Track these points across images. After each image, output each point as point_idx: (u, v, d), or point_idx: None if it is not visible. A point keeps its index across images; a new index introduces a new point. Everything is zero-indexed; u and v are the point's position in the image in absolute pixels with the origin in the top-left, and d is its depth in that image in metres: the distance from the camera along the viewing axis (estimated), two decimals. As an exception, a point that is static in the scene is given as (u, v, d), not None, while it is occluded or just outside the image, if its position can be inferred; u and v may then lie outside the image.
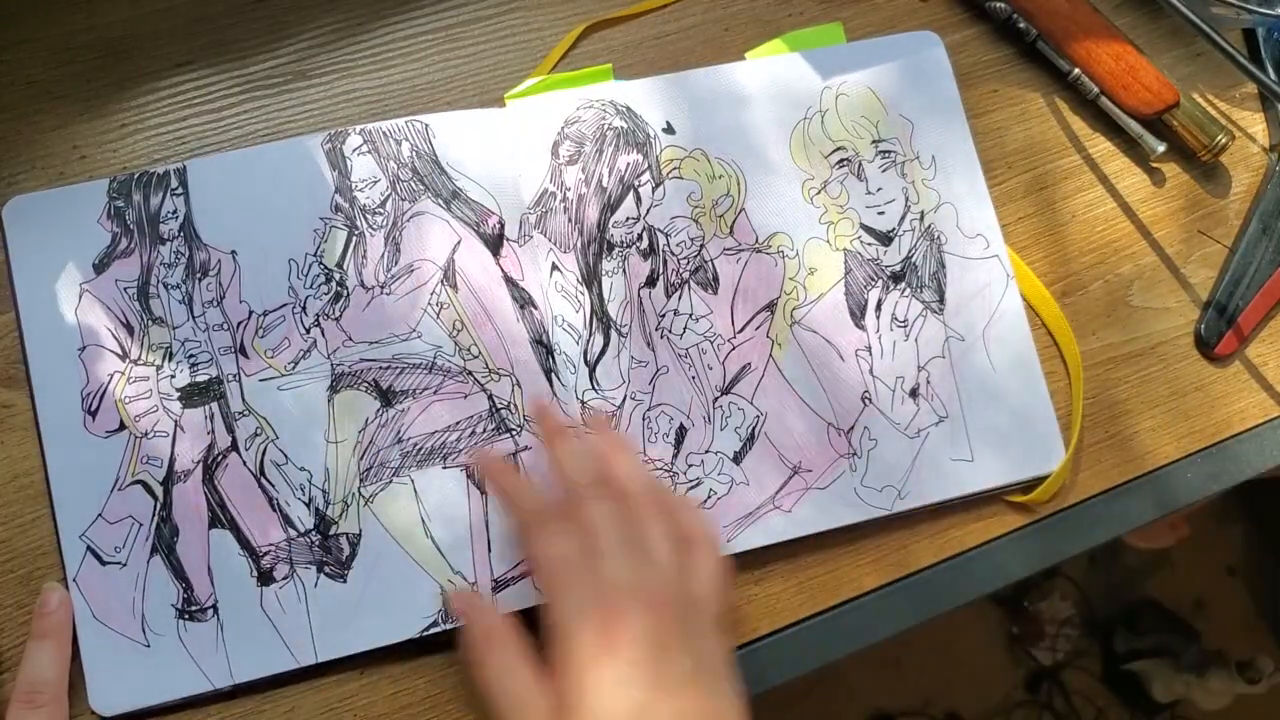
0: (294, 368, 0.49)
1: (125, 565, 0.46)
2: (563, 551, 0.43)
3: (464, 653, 0.44)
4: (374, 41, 0.54)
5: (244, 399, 0.48)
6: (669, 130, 0.54)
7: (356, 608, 0.47)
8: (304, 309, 0.49)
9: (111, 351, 0.48)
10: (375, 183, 0.51)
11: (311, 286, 0.50)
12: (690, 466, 0.50)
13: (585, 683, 0.39)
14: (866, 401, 0.52)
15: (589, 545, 0.42)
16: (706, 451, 0.51)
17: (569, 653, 0.40)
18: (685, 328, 0.52)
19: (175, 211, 0.50)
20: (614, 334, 0.51)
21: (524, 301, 0.51)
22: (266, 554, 0.47)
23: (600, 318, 0.51)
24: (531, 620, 0.45)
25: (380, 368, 0.49)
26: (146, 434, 0.47)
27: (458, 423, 0.49)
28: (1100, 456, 0.54)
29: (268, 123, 0.52)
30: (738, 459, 0.51)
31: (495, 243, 0.51)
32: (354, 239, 0.50)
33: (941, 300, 0.54)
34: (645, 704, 0.39)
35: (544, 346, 0.51)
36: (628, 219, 0.53)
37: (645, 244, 0.52)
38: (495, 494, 0.48)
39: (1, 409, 0.48)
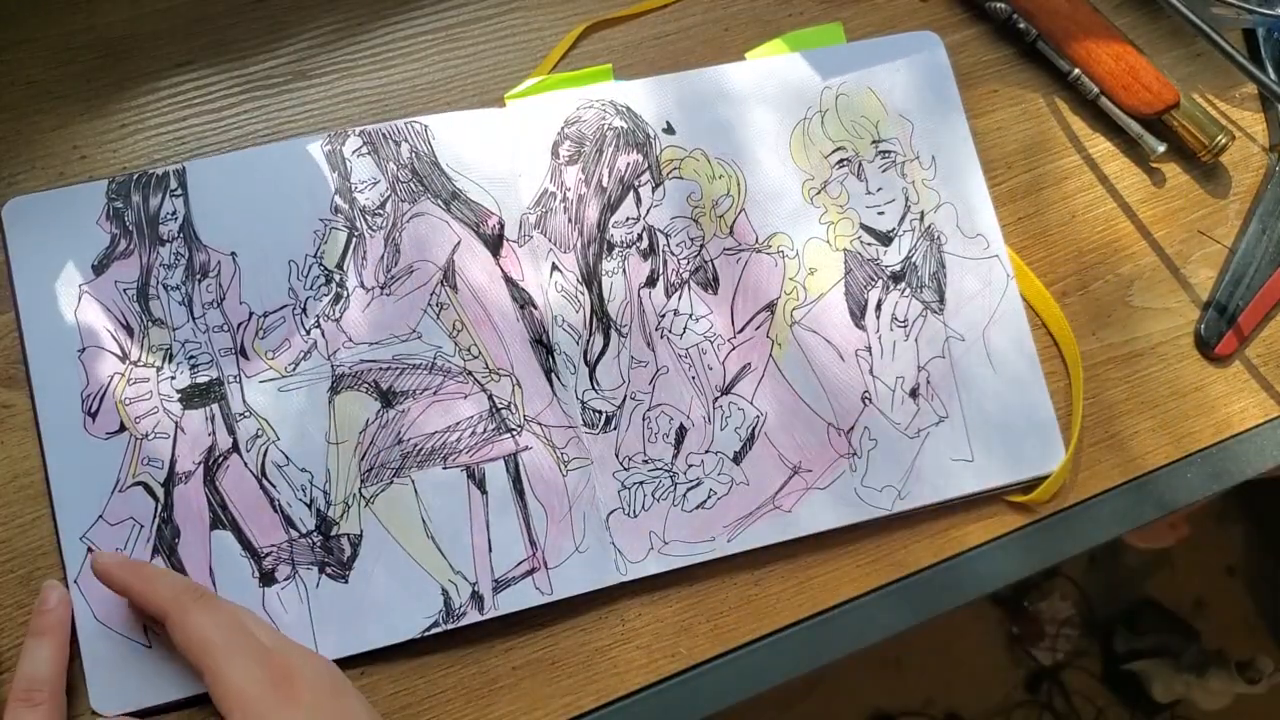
0: (294, 369, 0.49)
1: (126, 566, 0.46)
2: (216, 623, 0.42)
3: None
4: (374, 41, 0.54)
5: (245, 400, 0.48)
6: (669, 130, 0.54)
7: (358, 608, 0.47)
8: (304, 310, 0.49)
9: (111, 353, 0.48)
10: (375, 184, 0.51)
11: (312, 288, 0.50)
12: (690, 466, 0.50)
13: None
14: (866, 401, 0.52)
15: (232, 620, 0.43)
16: (706, 451, 0.51)
17: (254, 715, 0.40)
18: (685, 328, 0.52)
19: (174, 213, 0.50)
20: (614, 334, 0.51)
21: (524, 301, 0.51)
22: (268, 555, 0.47)
23: (600, 318, 0.51)
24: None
25: (380, 368, 0.49)
26: (147, 435, 0.47)
27: (458, 423, 0.49)
28: (1100, 456, 0.54)
29: (268, 123, 0.52)
30: (738, 459, 0.51)
31: (495, 243, 0.51)
32: (354, 240, 0.50)
33: (941, 300, 0.54)
34: None
35: (544, 346, 0.51)
36: (628, 219, 0.53)
37: (645, 244, 0.52)
38: (126, 587, 0.44)
39: (1, 409, 0.48)
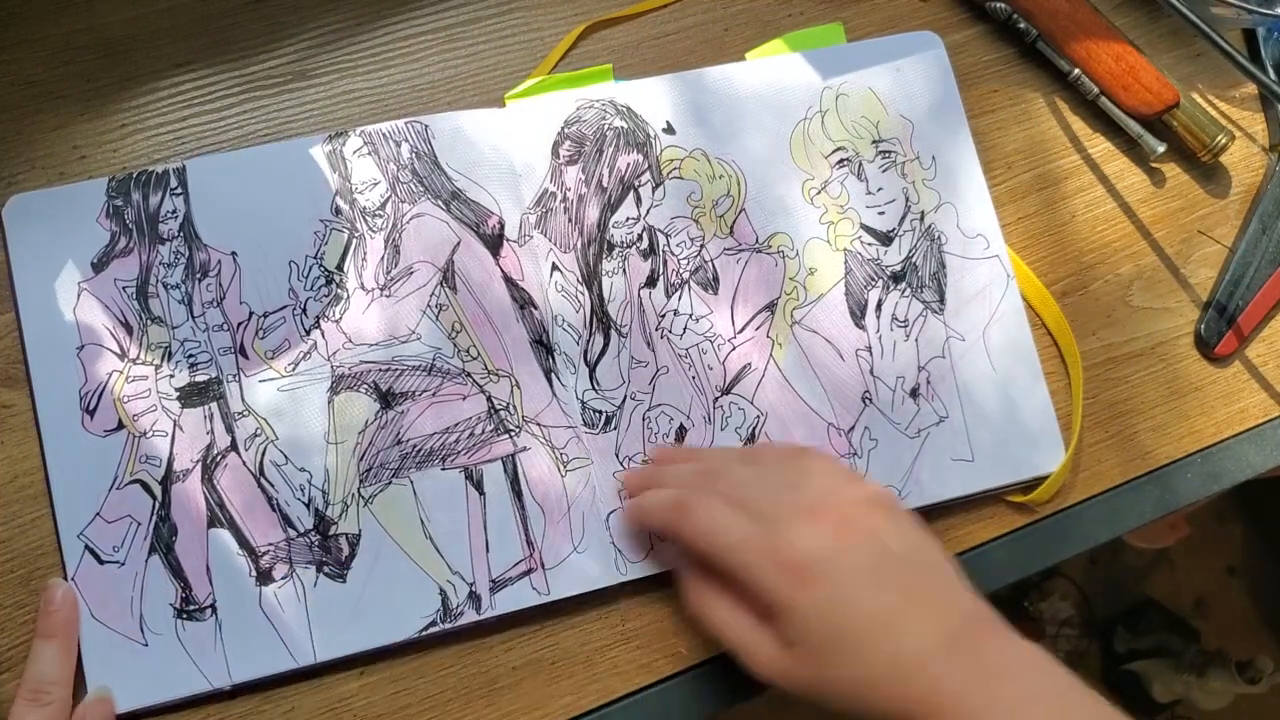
0: (294, 369, 0.49)
1: (123, 564, 0.46)
2: (715, 516, 0.43)
3: (687, 611, 0.45)
4: (374, 41, 0.54)
5: (243, 399, 0.48)
6: (669, 130, 0.54)
7: (356, 608, 0.47)
8: (304, 311, 0.49)
9: (110, 351, 0.48)
10: (375, 185, 0.51)
11: (312, 289, 0.50)
12: (690, 467, 0.50)
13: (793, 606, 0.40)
14: (867, 402, 0.52)
15: (735, 500, 0.43)
16: (706, 452, 0.51)
17: (770, 602, 0.40)
18: (685, 328, 0.52)
19: (174, 211, 0.50)
20: (614, 334, 0.51)
21: (524, 302, 0.51)
22: (265, 554, 0.47)
23: (600, 318, 0.51)
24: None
25: (380, 369, 0.49)
26: (145, 433, 0.47)
27: (457, 424, 0.49)
28: (1100, 456, 0.54)
29: (268, 123, 0.52)
30: (737, 459, 0.51)
31: (495, 243, 0.51)
32: (354, 241, 0.50)
33: (942, 300, 0.54)
34: (895, 607, 0.39)
35: (544, 347, 0.51)
36: (628, 219, 0.52)
37: (645, 244, 0.52)
38: (638, 492, 0.47)
39: (1, 409, 0.48)
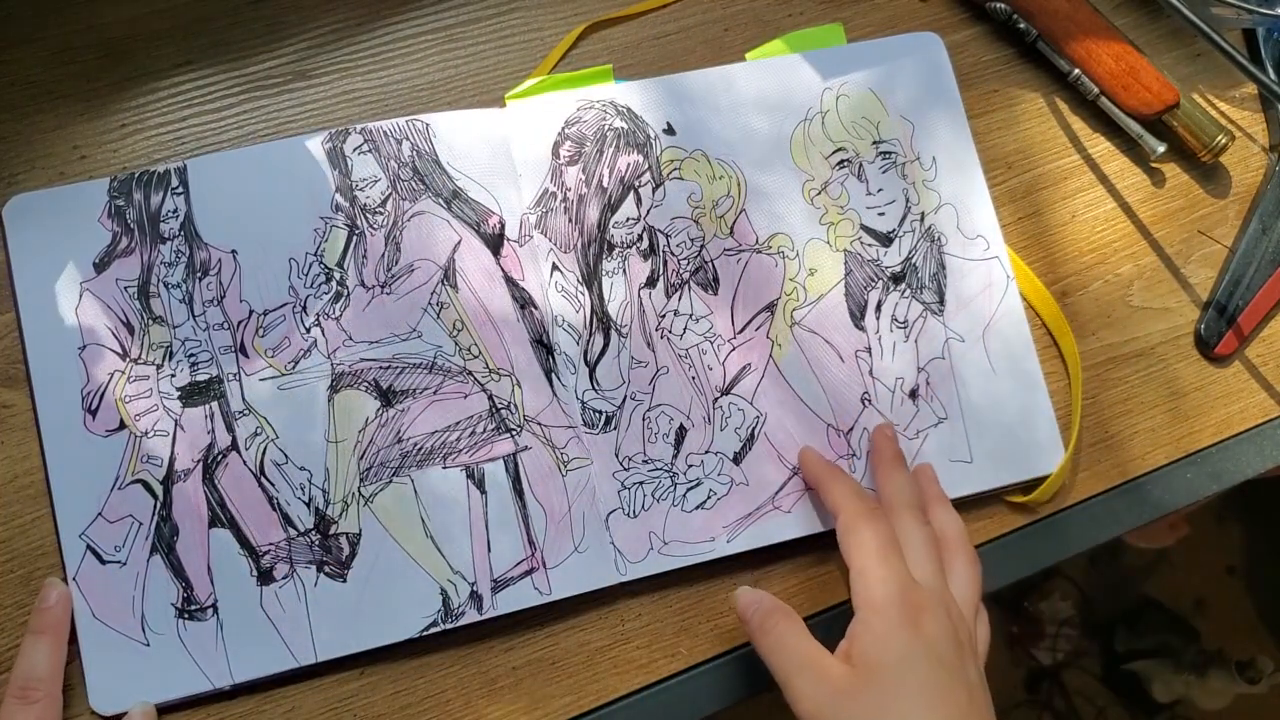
0: (294, 367, 0.49)
1: (125, 564, 0.46)
2: (881, 540, 0.44)
3: (751, 628, 0.45)
4: (374, 41, 0.54)
5: (244, 398, 0.48)
6: (669, 131, 0.54)
7: (356, 607, 0.47)
8: (304, 308, 0.49)
9: (112, 350, 0.48)
10: (376, 182, 0.51)
11: (312, 286, 0.50)
12: (690, 467, 0.50)
13: (889, 647, 0.41)
14: (866, 403, 0.52)
15: (902, 548, 0.45)
16: (706, 452, 0.51)
17: (876, 616, 0.42)
18: (685, 328, 0.52)
19: (176, 210, 0.50)
20: (614, 334, 0.51)
21: (524, 301, 0.51)
22: (266, 553, 0.47)
23: (600, 318, 0.51)
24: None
25: (380, 367, 0.49)
26: (146, 433, 0.47)
27: (458, 422, 0.49)
28: (1100, 456, 0.54)
29: (268, 123, 0.52)
30: (738, 459, 0.51)
31: (495, 243, 0.51)
32: (354, 238, 0.50)
33: (941, 301, 0.54)
34: (944, 684, 0.41)
35: (544, 346, 0.51)
36: (628, 219, 0.53)
37: (645, 244, 0.52)
38: (820, 486, 0.49)
39: (1, 409, 0.48)
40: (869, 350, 0.53)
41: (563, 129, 0.53)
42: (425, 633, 0.47)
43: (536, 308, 0.51)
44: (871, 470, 0.50)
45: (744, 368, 0.52)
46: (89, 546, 0.46)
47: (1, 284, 0.49)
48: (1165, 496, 0.54)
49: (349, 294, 0.50)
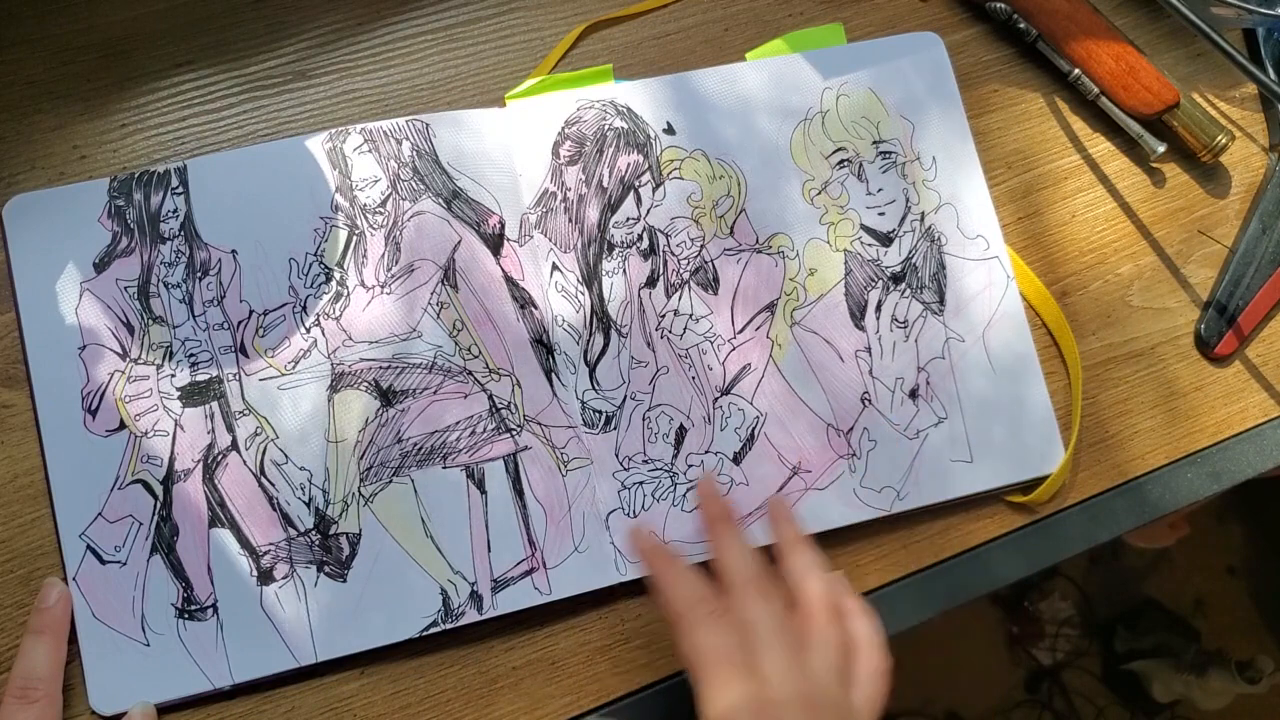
0: (294, 367, 0.49)
1: (125, 564, 0.46)
2: (720, 643, 0.40)
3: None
4: (374, 41, 0.54)
5: (244, 398, 0.48)
6: (669, 131, 0.54)
7: (356, 607, 0.47)
8: (304, 308, 0.49)
9: (112, 350, 0.48)
10: (376, 182, 0.51)
11: (312, 286, 0.50)
12: (690, 467, 0.50)
13: None
14: (866, 402, 0.52)
15: (747, 641, 0.40)
16: (706, 452, 0.51)
17: None
18: (685, 328, 0.52)
19: (176, 210, 0.50)
20: (614, 334, 0.51)
21: (524, 301, 0.51)
22: (266, 553, 0.47)
23: (600, 318, 0.51)
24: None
25: (380, 367, 0.49)
26: (146, 433, 0.47)
27: (458, 422, 0.49)
28: (1100, 456, 0.54)
29: (268, 123, 0.52)
30: (737, 459, 0.51)
31: (496, 242, 0.51)
32: (354, 238, 0.50)
33: (941, 301, 0.54)
34: None
35: (544, 346, 0.51)
36: (628, 219, 0.53)
37: (646, 244, 0.52)
38: (651, 579, 0.44)
39: (1, 409, 0.48)
40: (869, 350, 0.53)
41: (563, 129, 0.53)
42: (425, 633, 0.47)
43: (536, 307, 0.51)
44: (702, 532, 0.47)
45: (744, 368, 0.52)
46: (89, 546, 0.46)
47: (1, 284, 0.49)
48: (1165, 496, 0.54)
49: (349, 294, 0.50)
